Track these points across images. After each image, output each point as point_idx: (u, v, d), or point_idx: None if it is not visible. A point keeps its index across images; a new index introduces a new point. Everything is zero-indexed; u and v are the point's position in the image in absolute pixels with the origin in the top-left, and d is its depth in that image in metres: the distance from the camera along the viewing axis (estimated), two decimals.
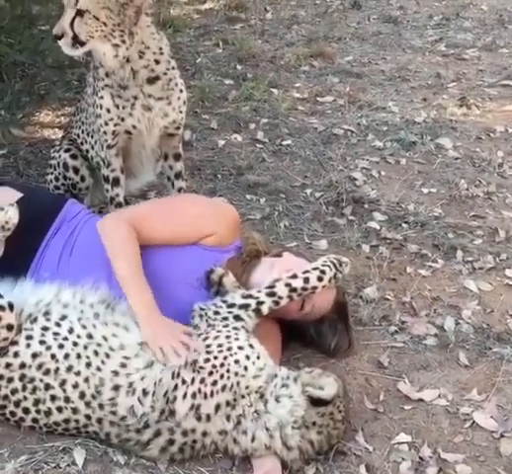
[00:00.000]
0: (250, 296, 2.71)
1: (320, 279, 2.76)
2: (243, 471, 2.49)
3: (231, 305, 2.68)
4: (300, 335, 3.01)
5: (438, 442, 2.64)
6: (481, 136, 4.80)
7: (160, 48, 3.23)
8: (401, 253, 3.67)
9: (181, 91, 3.34)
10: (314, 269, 2.79)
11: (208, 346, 2.55)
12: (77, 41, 3.09)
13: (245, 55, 5.68)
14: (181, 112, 3.37)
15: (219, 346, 2.55)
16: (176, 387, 2.47)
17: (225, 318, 2.65)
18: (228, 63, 5.60)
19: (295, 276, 2.75)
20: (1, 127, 3.95)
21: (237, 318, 2.66)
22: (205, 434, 2.46)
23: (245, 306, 2.68)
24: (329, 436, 2.50)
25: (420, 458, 2.56)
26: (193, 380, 2.48)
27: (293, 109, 5.02)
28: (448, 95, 5.34)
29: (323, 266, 2.80)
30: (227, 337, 2.59)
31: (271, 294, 2.71)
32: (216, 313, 2.67)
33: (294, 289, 2.73)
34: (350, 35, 6.31)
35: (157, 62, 3.22)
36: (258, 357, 2.57)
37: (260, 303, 2.70)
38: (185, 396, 2.46)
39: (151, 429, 2.46)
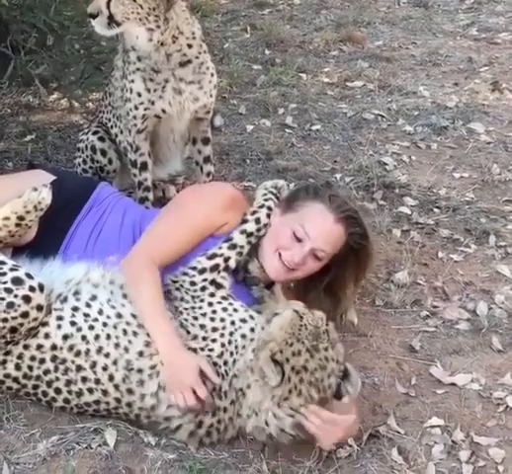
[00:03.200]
0: (215, 255, 2.70)
1: (269, 216, 2.79)
2: (274, 452, 2.49)
3: (202, 271, 2.67)
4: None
5: (471, 426, 2.62)
6: None
7: (193, 33, 3.24)
8: (433, 238, 3.63)
9: (212, 75, 3.35)
10: (260, 207, 2.81)
11: (213, 323, 2.55)
12: (113, 21, 3.09)
13: (273, 40, 5.62)
14: (211, 96, 3.37)
15: (222, 320, 2.55)
16: None
17: (204, 288, 2.64)
18: (257, 48, 5.56)
19: (246, 221, 2.77)
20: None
21: (215, 283, 2.65)
22: (225, 410, 2.46)
23: (215, 267, 2.67)
24: (315, 366, 2.40)
25: (453, 442, 2.55)
26: None
27: (322, 93, 4.97)
28: (480, 79, 5.25)
29: (266, 200, 2.83)
30: (224, 309, 2.59)
31: (232, 247, 2.72)
32: (193, 283, 2.65)
33: (250, 234, 2.75)
34: (380, 19, 6.22)
35: (190, 46, 3.23)
36: (262, 328, 2.54)
37: (227, 259, 2.70)
38: (203, 382, 2.45)
39: (180, 418, 2.46)
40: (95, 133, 3.59)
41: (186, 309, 2.61)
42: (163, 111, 3.28)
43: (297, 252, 2.71)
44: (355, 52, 5.61)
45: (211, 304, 2.60)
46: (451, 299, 3.23)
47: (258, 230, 2.77)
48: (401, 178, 4.05)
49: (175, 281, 2.68)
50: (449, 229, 3.67)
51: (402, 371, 2.88)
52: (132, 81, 3.25)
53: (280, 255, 2.73)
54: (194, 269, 2.67)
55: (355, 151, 4.32)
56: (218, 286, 2.65)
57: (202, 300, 2.62)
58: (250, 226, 2.76)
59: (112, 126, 3.58)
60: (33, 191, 2.75)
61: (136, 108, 3.28)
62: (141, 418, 2.51)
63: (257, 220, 2.77)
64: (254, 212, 2.80)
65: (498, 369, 2.87)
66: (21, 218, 2.73)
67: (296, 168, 4.11)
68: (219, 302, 2.61)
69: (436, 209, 3.82)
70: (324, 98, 4.93)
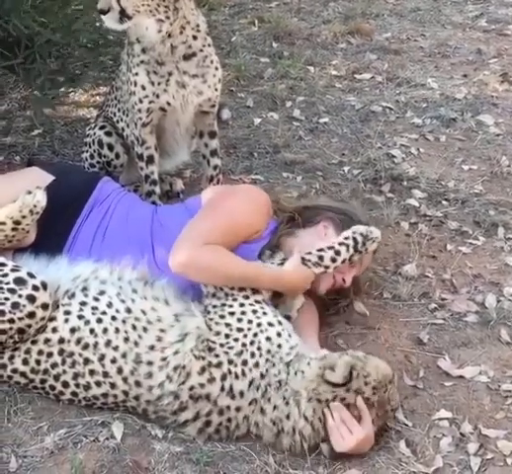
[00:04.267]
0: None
1: (334, 260, 2.75)
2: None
3: None
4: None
5: (479, 419, 2.61)
6: None
7: (198, 25, 3.22)
8: (441, 230, 3.61)
9: (216, 68, 3.32)
10: (329, 248, 2.76)
11: (239, 324, 2.54)
12: (124, 16, 3.06)
13: (281, 33, 5.58)
14: (216, 89, 3.34)
15: (249, 322, 2.54)
16: (203, 370, 2.46)
17: (242, 288, 2.63)
18: (264, 41, 5.52)
19: (309, 253, 2.75)
20: (34, 107, 3.96)
21: (252, 289, 2.64)
22: (238, 409, 2.45)
23: None
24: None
25: (461, 434, 2.54)
26: (219, 364, 2.47)
27: (330, 86, 4.94)
28: (489, 71, 5.19)
29: (340, 245, 2.76)
30: (254, 311, 2.57)
31: None
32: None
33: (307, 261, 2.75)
34: (388, 11, 6.15)
35: (194, 38, 3.21)
36: (290, 336, 2.56)
37: None
38: (214, 380, 2.45)
39: (189, 412, 2.46)
40: (102, 128, 3.58)
41: (214, 307, 2.60)
42: (168, 103, 3.26)
43: (348, 276, 2.88)
44: (363, 45, 5.56)
45: (242, 305, 2.59)
46: (459, 292, 3.22)
47: (315, 264, 2.76)
48: (410, 170, 4.02)
49: None
50: (457, 221, 3.65)
51: (410, 364, 2.87)
52: (136, 74, 3.24)
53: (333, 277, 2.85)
54: None
55: (363, 144, 4.29)
56: (255, 292, 2.65)
57: (234, 299, 2.60)
58: (311, 257, 2.76)
59: (117, 121, 3.57)
60: (27, 194, 2.73)
61: (141, 101, 3.27)
62: (149, 412, 2.51)
63: (320, 258, 2.75)
64: (320, 250, 2.77)
65: (507, 362, 2.86)
66: (17, 223, 2.72)
67: (303, 161, 4.09)
68: (251, 304, 2.60)
69: (444, 202, 3.79)
70: (332, 90, 4.90)
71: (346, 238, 2.77)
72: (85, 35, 4.08)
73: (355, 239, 2.76)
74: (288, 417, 2.43)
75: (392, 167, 4.05)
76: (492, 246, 3.50)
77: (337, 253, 2.75)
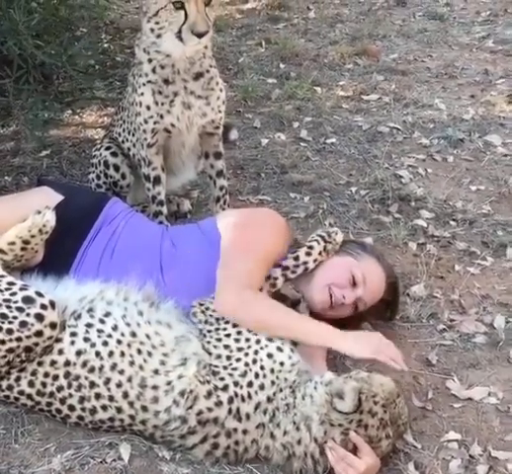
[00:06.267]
0: None
1: (308, 254, 2.87)
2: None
3: None
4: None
5: (488, 441, 2.58)
6: None
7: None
8: (449, 251, 3.60)
9: (221, 90, 3.34)
10: (300, 247, 2.91)
11: (237, 344, 2.54)
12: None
13: (288, 54, 5.62)
14: (220, 111, 3.36)
15: (247, 340, 2.55)
16: (210, 394, 2.45)
17: None
18: (271, 62, 5.56)
19: (285, 258, 2.85)
20: (26, 129, 4.00)
21: None
22: (245, 432, 2.44)
23: None
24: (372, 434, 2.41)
25: (470, 456, 2.52)
26: (226, 387, 2.46)
27: (337, 107, 4.96)
28: (496, 91, 5.21)
29: (310, 241, 2.92)
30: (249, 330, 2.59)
31: (267, 278, 2.79)
32: None
33: (286, 268, 2.84)
34: (395, 32, 6.20)
35: (204, 56, 3.22)
36: (292, 350, 2.56)
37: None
38: (221, 403, 2.44)
39: (197, 436, 2.44)
40: (107, 149, 3.61)
41: (209, 332, 2.61)
42: (172, 125, 3.28)
43: (349, 294, 2.84)
44: (370, 66, 5.59)
45: (235, 325, 2.60)
46: (468, 312, 3.20)
47: (295, 266, 2.86)
48: (417, 191, 4.02)
49: (201, 304, 2.69)
50: (465, 242, 3.64)
51: (419, 385, 2.85)
52: (142, 94, 3.25)
53: (330, 290, 2.83)
54: None
55: (370, 164, 4.30)
56: None
57: (226, 322, 2.61)
58: (288, 262, 2.86)
59: (123, 141, 3.59)
60: (36, 214, 2.76)
61: (146, 122, 3.28)
62: (156, 437, 2.50)
63: (296, 258, 2.86)
64: (295, 251, 2.89)
65: None
66: (26, 242, 2.74)
67: (311, 181, 4.10)
68: None
69: (452, 222, 3.79)
70: (339, 111, 4.92)
71: (312, 237, 2.94)
72: (80, 59, 4.12)
73: (320, 235, 2.92)
74: (299, 442, 2.41)
75: (400, 187, 4.05)
76: (501, 266, 3.49)
77: (310, 247, 2.88)
